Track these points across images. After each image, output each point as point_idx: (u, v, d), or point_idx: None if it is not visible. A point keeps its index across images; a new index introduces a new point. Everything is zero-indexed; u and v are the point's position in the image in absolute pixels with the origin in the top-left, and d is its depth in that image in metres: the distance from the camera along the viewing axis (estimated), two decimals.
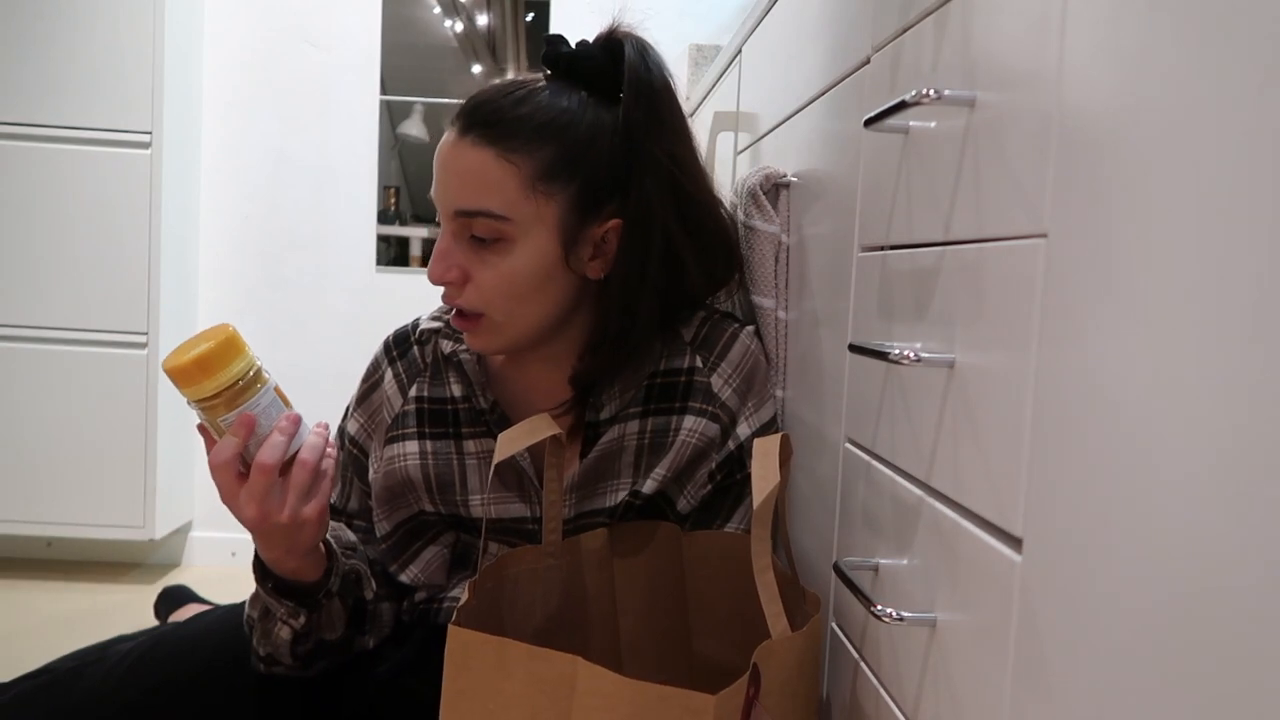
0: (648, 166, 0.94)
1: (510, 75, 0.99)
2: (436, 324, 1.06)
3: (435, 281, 0.94)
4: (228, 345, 0.83)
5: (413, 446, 1.01)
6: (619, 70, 0.95)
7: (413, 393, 1.03)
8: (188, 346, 0.83)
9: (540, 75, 0.98)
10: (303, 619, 0.93)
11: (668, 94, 0.97)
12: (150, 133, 2.14)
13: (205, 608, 1.77)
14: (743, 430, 0.99)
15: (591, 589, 0.97)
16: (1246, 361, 0.33)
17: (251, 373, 0.84)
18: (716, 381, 0.99)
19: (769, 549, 0.74)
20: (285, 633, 0.94)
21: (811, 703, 0.78)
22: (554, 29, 2.43)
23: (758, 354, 1.02)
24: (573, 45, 0.98)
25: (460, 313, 0.96)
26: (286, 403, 0.87)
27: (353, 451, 1.06)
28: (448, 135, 0.94)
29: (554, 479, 0.93)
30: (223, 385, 0.82)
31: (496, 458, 0.86)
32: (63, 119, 2.13)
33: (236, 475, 0.84)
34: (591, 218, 0.94)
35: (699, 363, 1.00)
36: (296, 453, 0.85)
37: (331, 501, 1.05)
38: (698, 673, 0.98)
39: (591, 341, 0.99)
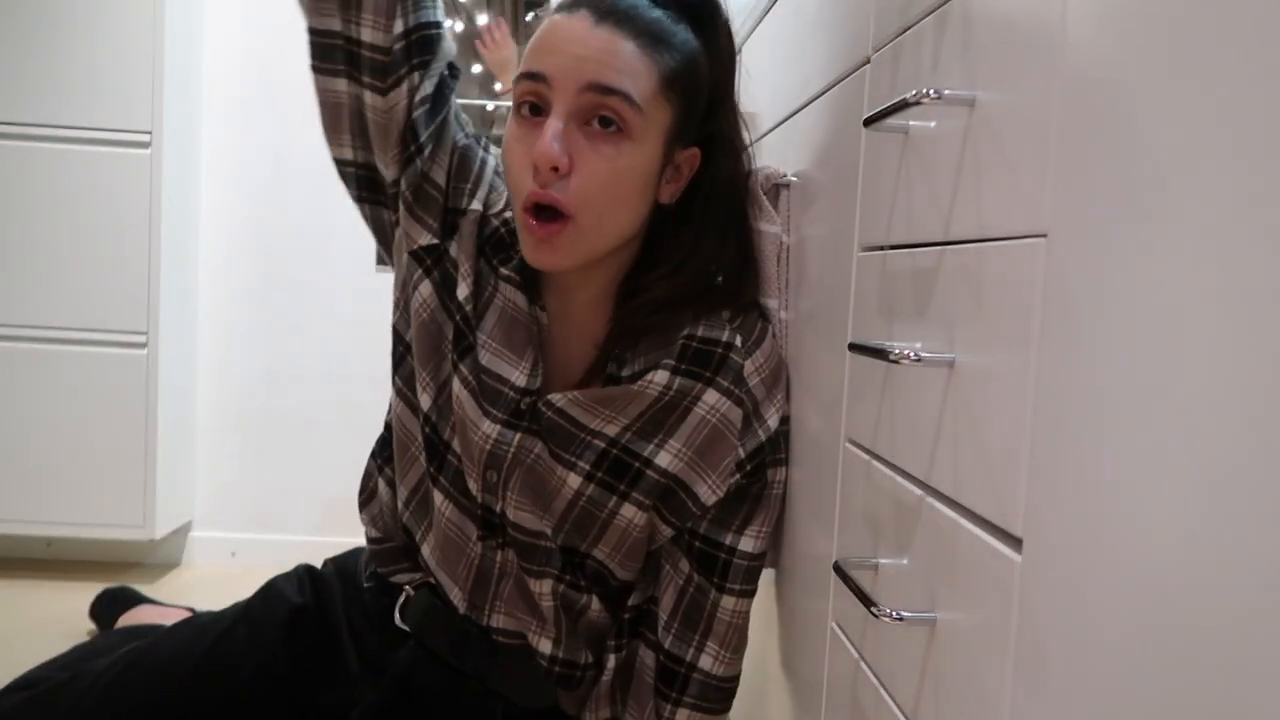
0: (728, 108, 1.00)
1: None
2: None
3: (549, 162, 0.87)
4: None
5: (467, 267, 1.01)
6: (713, 16, 0.99)
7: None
8: None
9: None
10: None
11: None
12: (150, 133, 2.14)
13: (159, 609, 1.76)
14: (772, 421, 0.98)
15: None
16: (1247, 361, 0.33)
17: None
18: (749, 366, 0.98)
19: None
20: None
21: None
22: None
23: (780, 352, 1.02)
24: None
25: (545, 216, 0.90)
26: None
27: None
28: (568, 19, 0.91)
29: None
30: None
31: None
32: (63, 119, 2.12)
33: None
34: (680, 141, 0.96)
35: (738, 341, 0.98)
36: None
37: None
38: None
39: (640, 271, 0.99)
